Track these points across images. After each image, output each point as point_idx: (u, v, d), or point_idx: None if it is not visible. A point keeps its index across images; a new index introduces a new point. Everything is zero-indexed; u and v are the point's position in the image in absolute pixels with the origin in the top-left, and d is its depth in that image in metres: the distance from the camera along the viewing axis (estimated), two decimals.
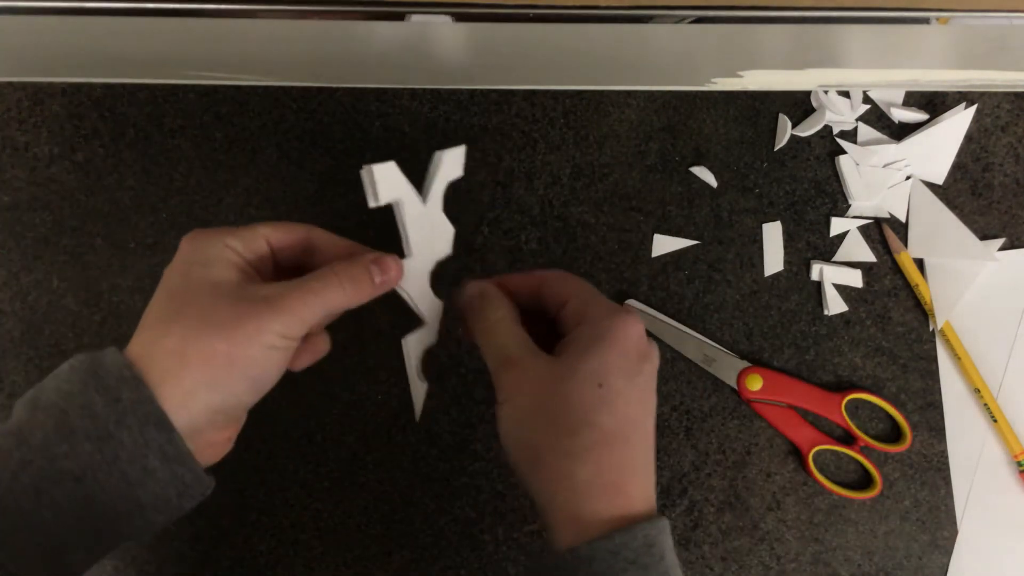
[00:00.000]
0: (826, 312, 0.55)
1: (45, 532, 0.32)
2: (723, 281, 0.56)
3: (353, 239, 0.40)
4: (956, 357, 0.55)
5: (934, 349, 0.56)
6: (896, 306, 0.56)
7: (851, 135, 0.56)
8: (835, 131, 0.56)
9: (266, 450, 0.55)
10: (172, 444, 0.33)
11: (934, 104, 0.56)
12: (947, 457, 0.55)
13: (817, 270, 0.55)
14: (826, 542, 0.55)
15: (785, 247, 0.56)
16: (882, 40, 0.47)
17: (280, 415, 0.55)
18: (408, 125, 0.56)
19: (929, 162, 0.56)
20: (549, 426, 0.36)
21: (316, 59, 0.52)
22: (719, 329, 0.56)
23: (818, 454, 0.55)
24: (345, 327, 0.55)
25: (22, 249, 0.56)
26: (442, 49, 0.50)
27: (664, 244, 0.56)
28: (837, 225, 0.56)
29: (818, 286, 0.56)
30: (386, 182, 0.38)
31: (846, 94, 0.56)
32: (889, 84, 0.56)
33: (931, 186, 0.56)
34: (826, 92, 0.56)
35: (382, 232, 0.44)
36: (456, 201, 0.56)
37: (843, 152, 0.56)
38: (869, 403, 0.55)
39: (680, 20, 0.42)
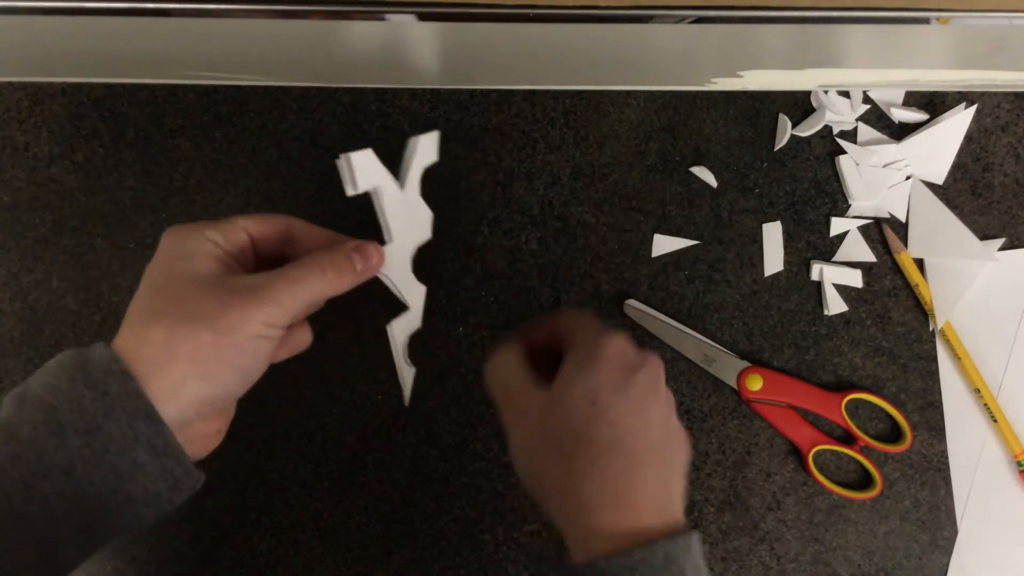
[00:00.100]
0: (826, 312, 0.55)
1: (35, 527, 0.32)
2: (723, 281, 0.56)
3: (354, 239, 0.40)
4: (956, 357, 0.55)
5: (934, 349, 0.56)
6: (896, 306, 0.56)
7: (851, 135, 0.56)
8: (835, 131, 0.56)
9: (266, 450, 0.55)
10: (161, 437, 0.33)
11: (934, 104, 0.56)
12: (947, 457, 0.55)
13: (817, 270, 0.55)
14: (826, 542, 0.55)
15: (785, 247, 0.56)
16: (882, 40, 0.47)
17: (280, 415, 0.55)
18: (408, 125, 0.56)
19: (929, 162, 0.56)
20: (550, 450, 0.37)
21: (316, 59, 0.52)
22: (719, 329, 0.56)
23: (818, 454, 0.55)
24: (345, 327, 0.55)
25: (22, 249, 0.56)
26: (442, 49, 0.50)
27: (664, 244, 0.56)
28: (837, 225, 0.56)
29: (818, 286, 0.56)
30: (364, 170, 0.38)
31: (846, 94, 0.56)
32: (889, 84, 0.56)
33: (931, 186, 0.56)
34: (826, 92, 0.56)
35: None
36: (456, 201, 0.56)
37: (843, 152, 0.56)
38: (869, 403, 0.55)
39: (680, 20, 0.42)
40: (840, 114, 0.56)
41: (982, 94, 0.56)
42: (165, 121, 0.56)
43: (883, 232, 0.56)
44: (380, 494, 0.55)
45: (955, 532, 0.55)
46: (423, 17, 0.42)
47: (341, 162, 0.38)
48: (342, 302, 0.55)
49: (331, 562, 0.55)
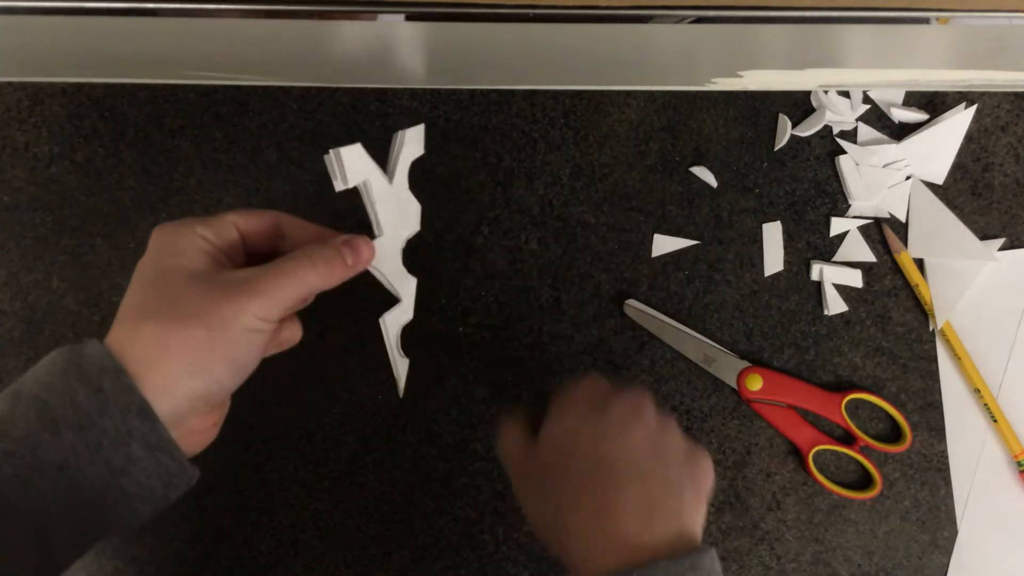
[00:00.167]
0: (826, 312, 0.55)
1: (30, 522, 0.32)
2: (723, 281, 0.56)
3: (344, 234, 0.40)
4: (956, 357, 0.55)
5: (934, 349, 0.56)
6: (896, 306, 0.56)
7: (851, 135, 0.56)
8: (835, 131, 0.56)
9: (266, 450, 0.55)
10: (155, 432, 0.33)
11: (934, 104, 0.56)
12: (947, 457, 0.55)
13: (817, 270, 0.55)
14: (826, 542, 0.55)
15: (785, 247, 0.56)
16: (882, 40, 0.47)
17: (280, 415, 0.55)
18: (408, 125, 0.56)
19: (929, 162, 0.56)
20: (542, 491, 0.39)
21: (316, 59, 0.52)
22: (719, 329, 0.56)
23: (818, 454, 0.55)
24: (345, 327, 0.55)
25: (22, 249, 0.56)
26: (442, 49, 0.50)
27: (664, 244, 0.56)
28: (837, 225, 0.56)
29: (818, 286, 0.56)
30: (353, 164, 0.39)
31: (846, 94, 0.56)
32: (889, 84, 0.56)
33: (931, 186, 0.56)
34: (826, 92, 0.56)
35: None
36: (456, 201, 0.56)
37: (843, 152, 0.56)
38: (869, 403, 0.55)
39: (680, 20, 0.42)
40: (840, 114, 0.56)
41: (982, 94, 0.56)
42: (165, 121, 0.56)
43: (883, 232, 0.56)
44: (380, 494, 0.55)
45: (955, 532, 0.55)
46: (423, 17, 0.42)
47: (330, 157, 0.38)
48: (342, 302, 0.55)
49: (331, 562, 0.55)
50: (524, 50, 0.49)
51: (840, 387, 0.55)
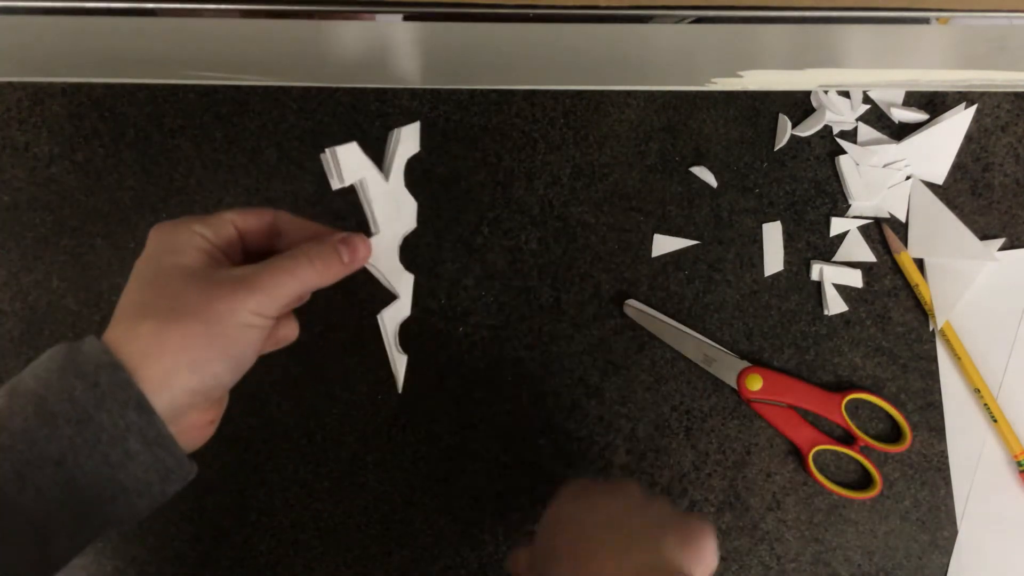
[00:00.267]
0: (826, 312, 0.55)
1: (28, 518, 0.32)
2: (723, 281, 0.56)
3: (341, 231, 0.40)
4: (956, 357, 0.55)
5: (934, 349, 0.56)
6: (896, 306, 0.56)
7: (851, 135, 0.56)
8: (835, 131, 0.56)
9: (266, 450, 0.55)
10: (152, 427, 0.33)
11: (934, 104, 0.56)
12: (947, 457, 0.55)
13: (817, 270, 0.55)
14: (826, 542, 0.55)
15: (785, 247, 0.56)
16: (882, 40, 0.47)
17: (280, 415, 0.55)
18: (407, 125, 0.56)
19: (929, 162, 0.56)
20: None
21: (316, 59, 0.52)
22: (719, 329, 0.56)
23: (818, 454, 0.55)
24: (345, 327, 0.55)
25: (22, 249, 0.56)
26: (442, 49, 0.50)
27: (664, 244, 0.56)
28: (837, 225, 0.56)
29: (818, 286, 0.56)
30: (349, 163, 0.39)
31: (846, 94, 0.56)
32: (889, 84, 0.56)
33: (931, 186, 0.56)
34: (826, 92, 0.56)
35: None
36: (456, 201, 0.56)
37: (843, 152, 0.56)
38: (869, 403, 0.55)
39: (680, 20, 0.42)
40: (840, 114, 0.56)
41: (982, 94, 0.56)
42: (165, 121, 0.56)
43: (883, 232, 0.56)
44: (380, 494, 0.55)
45: (955, 532, 0.55)
46: (422, 17, 0.42)
47: (326, 156, 0.38)
48: (341, 302, 0.55)
49: (331, 562, 0.55)
50: (524, 50, 0.49)
51: (840, 387, 0.55)
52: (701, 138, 0.56)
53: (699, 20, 0.42)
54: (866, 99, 0.56)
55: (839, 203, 0.56)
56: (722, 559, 0.55)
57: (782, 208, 0.56)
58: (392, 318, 0.43)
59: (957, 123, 0.56)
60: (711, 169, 0.56)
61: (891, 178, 0.56)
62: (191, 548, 0.54)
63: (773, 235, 0.56)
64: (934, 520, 0.55)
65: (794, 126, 0.56)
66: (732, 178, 0.56)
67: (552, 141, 0.56)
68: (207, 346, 0.34)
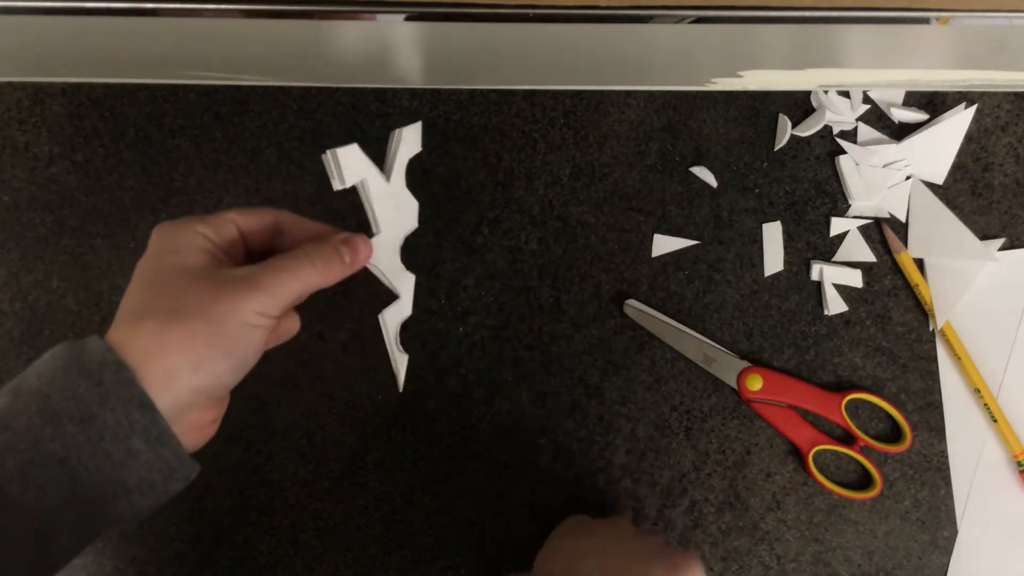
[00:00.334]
0: (826, 312, 0.55)
1: (30, 516, 0.32)
2: (723, 281, 0.56)
3: (343, 231, 0.40)
4: (956, 357, 0.55)
5: (934, 349, 0.56)
6: (896, 306, 0.56)
7: (851, 135, 0.56)
8: (835, 131, 0.56)
9: (266, 450, 0.55)
10: (155, 426, 0.33)
11: (934, 104, 0.56)
12: (947, 457, 0.55)
13: (817, 270, 0.55)
14: (826, 542, 0.55)
15: (785, 247, 0.56)
16: (882, 40, 0.47)
17: (280, 415, 0.55)
18: (407, 124, 0.56)
19: (929, 162, 0.56)
20: None
21: (316, 59, 0.52)
22: (719, 329, 0.56)
23: (818, 454, 0.55)
24: (345, 327, 0.55)
25: (22, 249, 0.56)
26: (442, 49, 0.50)
27: (664, 244, 0.56)
28: (837, 225, 0.56)
29: (818, 286, 0.56)
30: (350, 164, 0.39)
31: (846, 94, 0.56)
32: (889, 84, 0.56)
33: (931, 186, 0.56)
34: (826, 92, 0.56)
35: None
36: (456, 201, 0.56)
37: (843, 152, 0.56)
38: (869, 403, 0.55)
39: (680, 20, 0.42)
40: (840, 114, 0.56)
41: (982, 94, 0.56)
42: (165, 121, 0.56)
43: (883, 232, 0.56)
44: (380, 494, 0.55)
45: (955, 532, 0.55)
46: (423, 17, 0.42)
47: (327, 157, 0.39)
48: (341, 302, 0.55)
49: (331, 562, 0.55)
50: (524, 50, 0.49)
51: (840, 387, 0.55)
52: (701, 138, 0.56)
53: (699, 20, 0.42)
54: (866, 99, 0.56)
55: (839, 203, 0.56)
56: (722, 559, 0.55)
57: (782, 208, 0.56)
58: (393, 318, 0.43)
59: (957, 123, 0.56)
60: (711, 169, 0.56)
61: (891, 178, 0.56)
62: (191, 548, 0.54)
63: (773, 235, 0.56)
64: (934, 520, 0.55)
65: (794, 126, 0.56)
66: (732, 178, 0.56)
67: (552, 141, 0.56)
68: (209, 345, 0.34)
